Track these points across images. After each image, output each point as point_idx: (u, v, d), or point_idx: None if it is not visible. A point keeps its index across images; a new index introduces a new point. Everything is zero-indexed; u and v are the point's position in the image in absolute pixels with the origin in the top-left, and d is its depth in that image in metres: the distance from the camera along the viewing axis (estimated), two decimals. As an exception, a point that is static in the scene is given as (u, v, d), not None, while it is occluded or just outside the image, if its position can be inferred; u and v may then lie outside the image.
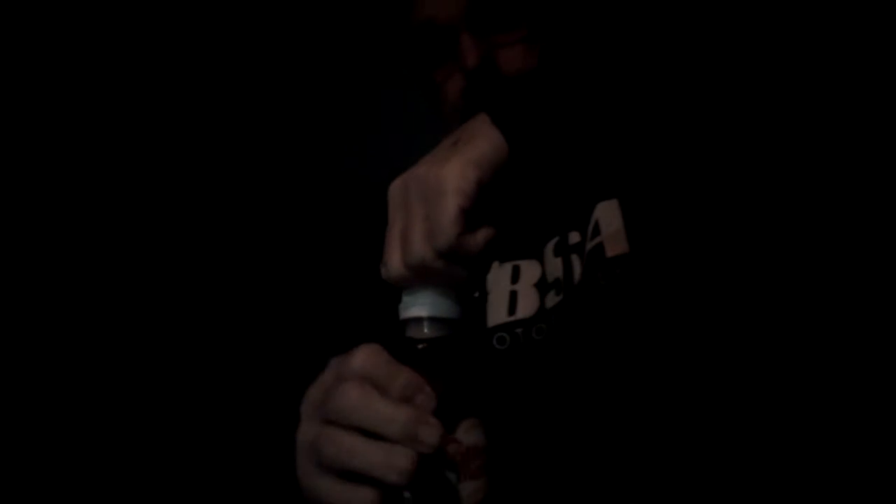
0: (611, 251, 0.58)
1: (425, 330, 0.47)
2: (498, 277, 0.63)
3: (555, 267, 0.62)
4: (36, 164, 1.21)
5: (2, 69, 1.19)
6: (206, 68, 1.28)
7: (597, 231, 0.60)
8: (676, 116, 0.50)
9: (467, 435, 0.45)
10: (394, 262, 0.48)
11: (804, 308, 0.52)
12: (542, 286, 0.62)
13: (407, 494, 0.45)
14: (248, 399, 1.16)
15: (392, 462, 0.44)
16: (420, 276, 0.48)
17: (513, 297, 0.62)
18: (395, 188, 0.49)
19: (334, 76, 1.29)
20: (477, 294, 0.64)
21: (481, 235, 0.48)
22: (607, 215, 0.59)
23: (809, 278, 0.53)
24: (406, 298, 0.48)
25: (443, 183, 0.47)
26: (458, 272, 0.48)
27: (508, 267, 0.64)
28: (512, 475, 0.50)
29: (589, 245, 0.60)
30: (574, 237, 0.62)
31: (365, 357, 0.46)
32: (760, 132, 0.52)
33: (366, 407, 0.45)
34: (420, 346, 0.47)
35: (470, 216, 0.47)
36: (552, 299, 0.61)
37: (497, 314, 0.62)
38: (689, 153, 0.53)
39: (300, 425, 0.48)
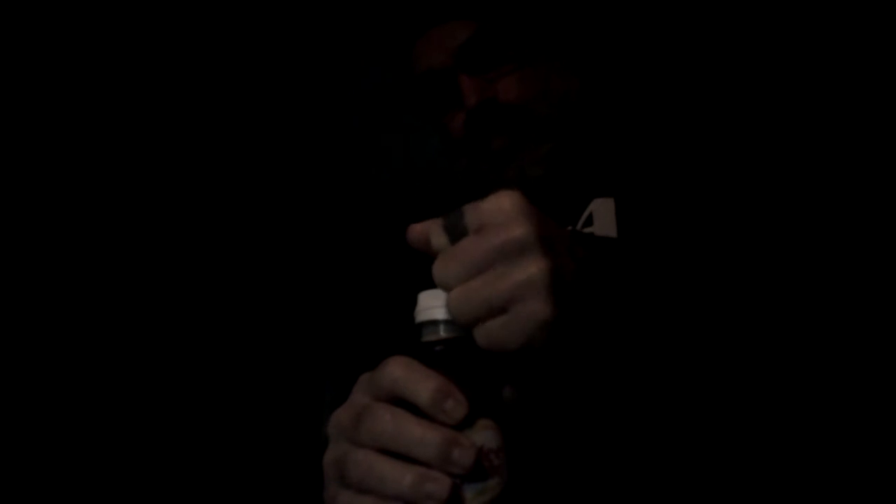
0: None
1: (441, 332, 0.47)
2: None
3: None
4: (36, 164, 1.21)
5: (2, 69, 1.19)
6: (209, 72, 1.28)
7: (589, 222, 0.62)
8: (676, 126, 0.51)
9: (479, 435, 0.45)
10: (449, 273, 0.46)
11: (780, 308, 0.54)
12: None
13: None
14: (262, 411, 1.16)
15: (426, 489, 0.42)
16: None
17: None
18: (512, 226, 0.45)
19: (336, 78, 1.30)
20: None
21: None
22: (602, 211, 0.61)
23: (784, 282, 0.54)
24: (422, 303, 0.48)
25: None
26: None
27: None
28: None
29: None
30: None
31: (393, 370, 0.45)
32: (755, 140, 0.52)
33: (397, 430, 0.44)
34: (437, 349, 0.47)
35: None
36: None
37: None
38: (687, 165, 0.53)
39: (328, 447, 0.47)
